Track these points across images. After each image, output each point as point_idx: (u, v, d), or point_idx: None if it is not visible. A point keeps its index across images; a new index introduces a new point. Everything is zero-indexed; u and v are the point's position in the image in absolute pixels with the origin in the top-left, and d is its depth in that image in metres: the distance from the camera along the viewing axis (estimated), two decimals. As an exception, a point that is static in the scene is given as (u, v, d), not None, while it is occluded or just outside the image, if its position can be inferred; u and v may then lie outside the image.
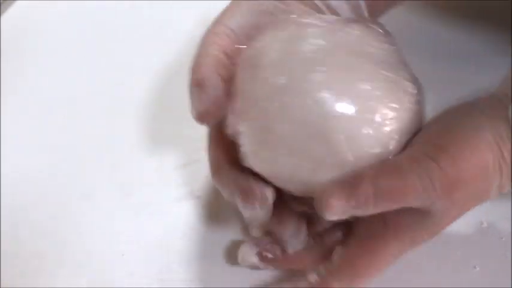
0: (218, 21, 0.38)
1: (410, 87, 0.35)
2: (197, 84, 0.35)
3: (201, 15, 0.58)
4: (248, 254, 0.37)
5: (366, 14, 0.39)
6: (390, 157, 0.33)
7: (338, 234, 0.37)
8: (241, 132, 0.35)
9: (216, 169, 0.37)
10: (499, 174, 0.33)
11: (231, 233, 0.37)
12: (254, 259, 0.37)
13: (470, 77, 0.47)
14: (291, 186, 0.35)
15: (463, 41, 0.50)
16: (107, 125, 0.49)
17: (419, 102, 0.35)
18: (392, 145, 0.34)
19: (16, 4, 0.61)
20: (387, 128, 0.33)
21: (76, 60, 0.55)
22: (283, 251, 0.37)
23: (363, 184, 0.32)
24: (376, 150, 0.33)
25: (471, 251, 0.38)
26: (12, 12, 0.60)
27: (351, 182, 0.32)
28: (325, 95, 0.33)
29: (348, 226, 0.36)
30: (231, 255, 0.40)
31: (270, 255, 0.37)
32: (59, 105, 0.51)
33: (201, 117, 0.35)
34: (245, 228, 0.39)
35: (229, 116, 0.35)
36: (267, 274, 0.38)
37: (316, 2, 0.38)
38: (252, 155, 0.35)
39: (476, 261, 0.38)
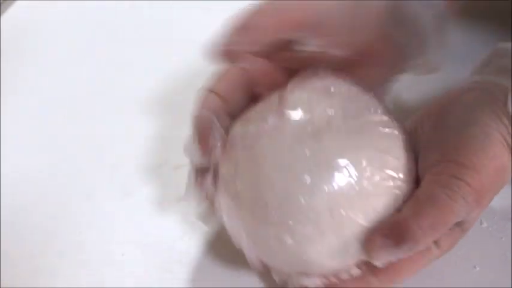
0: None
1: (398, 130, 0.35)
2: (242, 27, 0.35)
3: (201, 15, 0.58)
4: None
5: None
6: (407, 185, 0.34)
7: None
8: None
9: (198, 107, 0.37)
10: None
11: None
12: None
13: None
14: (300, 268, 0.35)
15: (463, 41, 0.50)
16: (107, 125, 0.49)
17: (400, 128, 0.36)
18: (401, 189, 0.34)
19: (16, 4, 0.61)
20: (391, 182, 0.34)
21: (76, 60, 0.55)
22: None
23: (410, 229, 0.32)
24: (387, 203, 0.34)
25: (471, 251, 0.38)
26: (12, 12, 0.60)
27: (396, 232, 0.32)
28: (320, 183, 0.33)
29: None
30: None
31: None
32: (59, 105, 0.51)
33: (224, 53, 0.35)
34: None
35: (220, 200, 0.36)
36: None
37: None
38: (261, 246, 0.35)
39: (476, 261, 0.38)
